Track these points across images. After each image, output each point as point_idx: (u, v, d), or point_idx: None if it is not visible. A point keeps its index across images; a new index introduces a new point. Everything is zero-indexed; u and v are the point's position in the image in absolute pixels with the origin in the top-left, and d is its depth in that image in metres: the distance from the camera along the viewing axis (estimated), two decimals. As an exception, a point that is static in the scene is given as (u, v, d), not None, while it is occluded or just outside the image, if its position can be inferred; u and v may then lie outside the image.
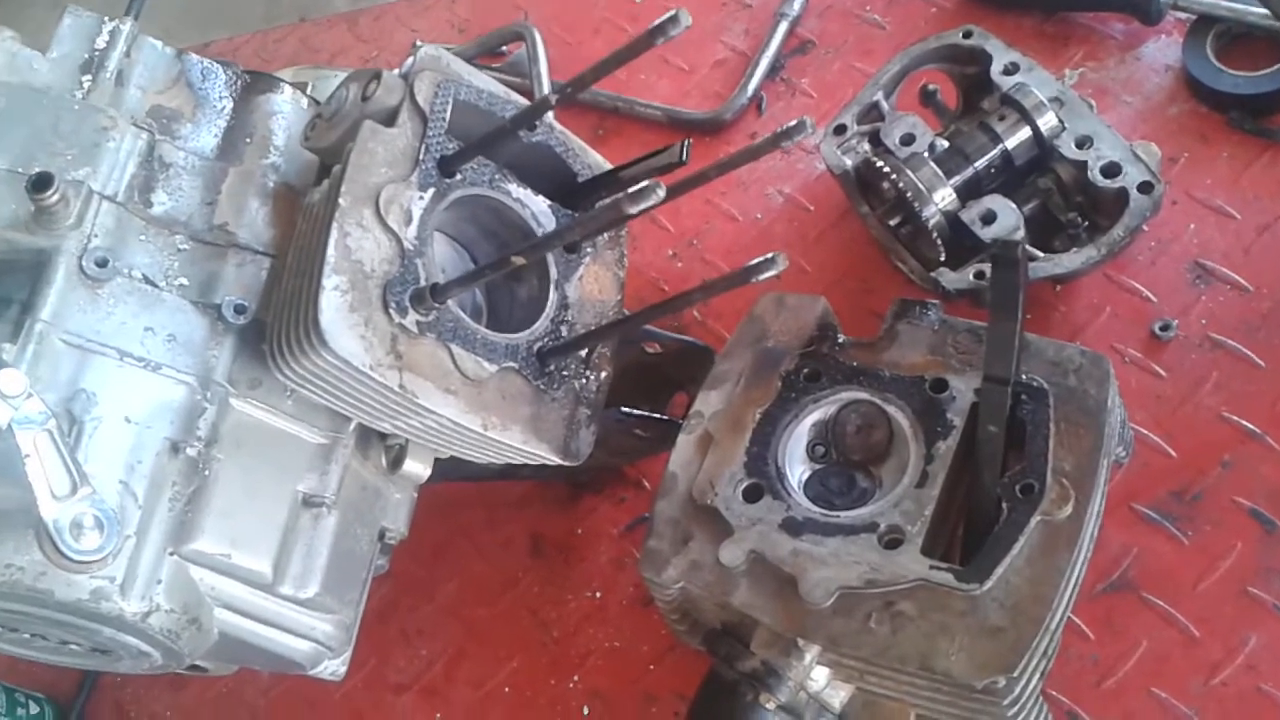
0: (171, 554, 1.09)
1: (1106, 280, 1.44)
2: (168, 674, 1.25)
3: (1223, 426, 1.33)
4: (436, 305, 1.11)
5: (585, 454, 1.20)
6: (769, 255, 0.98)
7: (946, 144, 1.43)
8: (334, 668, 1.26)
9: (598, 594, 1.47)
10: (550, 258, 1.24)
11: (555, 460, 1.18)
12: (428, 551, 1.54)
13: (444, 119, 1.17)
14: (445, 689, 1.46)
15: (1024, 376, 1.17)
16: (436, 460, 1.29)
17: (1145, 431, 1.34)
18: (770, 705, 1.14)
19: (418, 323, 1.10)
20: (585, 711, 1.39)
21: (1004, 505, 1.13)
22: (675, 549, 1.21)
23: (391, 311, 1.08)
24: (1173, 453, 1.33)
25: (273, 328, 1.13)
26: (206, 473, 1.12)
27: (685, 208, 1.68)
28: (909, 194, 1.38)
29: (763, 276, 0.99)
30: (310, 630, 1.19)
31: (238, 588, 1.13)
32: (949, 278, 1.37)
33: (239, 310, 1.16)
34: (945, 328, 1.25)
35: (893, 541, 1.14)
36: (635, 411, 1.37)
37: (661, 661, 1.39)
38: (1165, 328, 1.39)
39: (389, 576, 1.42)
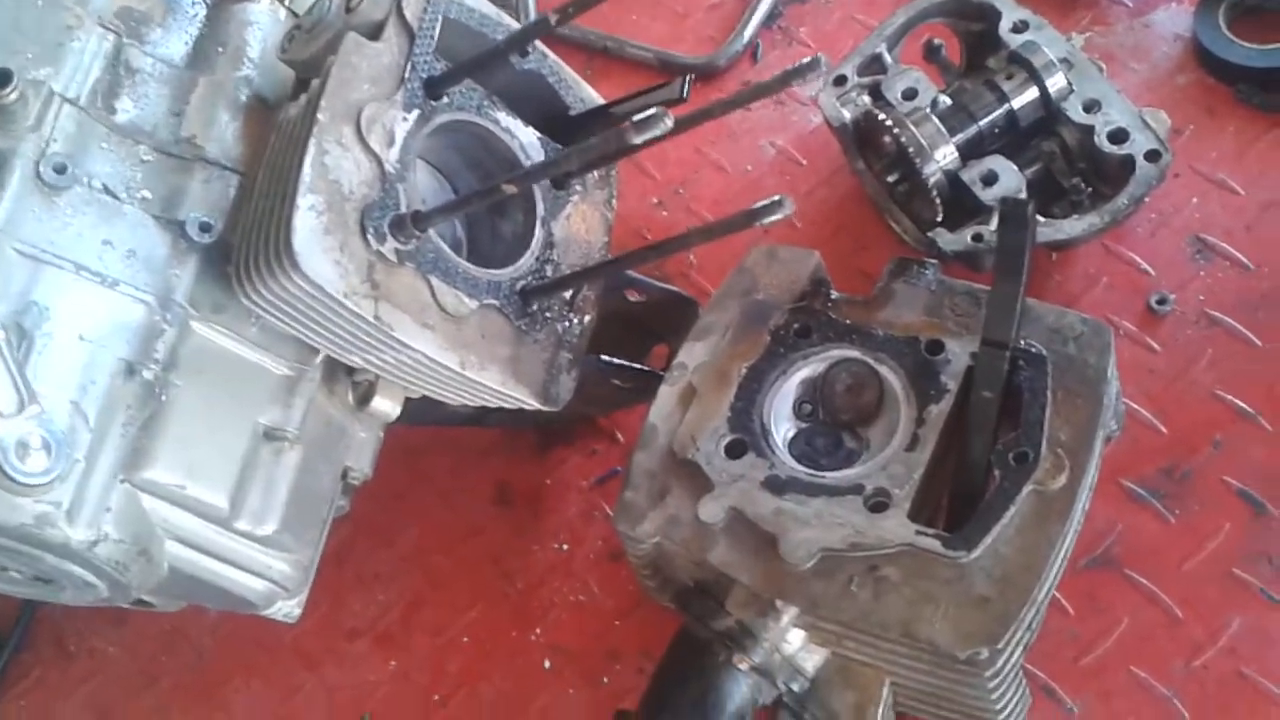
0: (123, 481, 1.03)
1: (1105, 250, 1.41)
2: (111, 607, 1.19)
3: (1215, 405, 1.30)
4: (417, 234, 1.05)
5: (565, 399, 1.15)
6: (775, 198, 0.93)
7: (950, 101, 1.38)
8: (288, 609, 1.21)
9: (564, 546, 1.42)
10: (538, 193, 1.18)
11: (533, 404, 1.13)
12: (389, 495, 1.48)
13: (432, 37, 1.10)
14: (402, 637, 1.41)
15: (1023, 342, 1.14)
16: (405, 401, 1.23)
17: (1137, 406, 1.30)
18: (743, 666, 1.10)
19: (397, 251, 1.04)
20: (546, 665, 1.35)
21: (996, 473, 1.10)
22: (652, 502, 1.17)
23: (369, 237, 1.02)
24: (1164, 429, 1.30)
25: (239, 249, 1.06)
26: (164, 398, 1.06)
27: (673, 155, 1.62)
28: (910, 149, 1.33)
29: (767, 220, 0.94)
30: (266, 569, 1.13)
31: (191, 520, 1.07)
32: (946, 239, 1.33)
33: (204, 228, 1.09)
34: (943, 289, 1.21)
35: (879, 505, 1.10)
36: (615, 360, 1.32)
37: (627, 618, 1.35)
38: (1162, 301, 1.36)
39: (348, 519, 1.36)
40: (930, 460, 1.11)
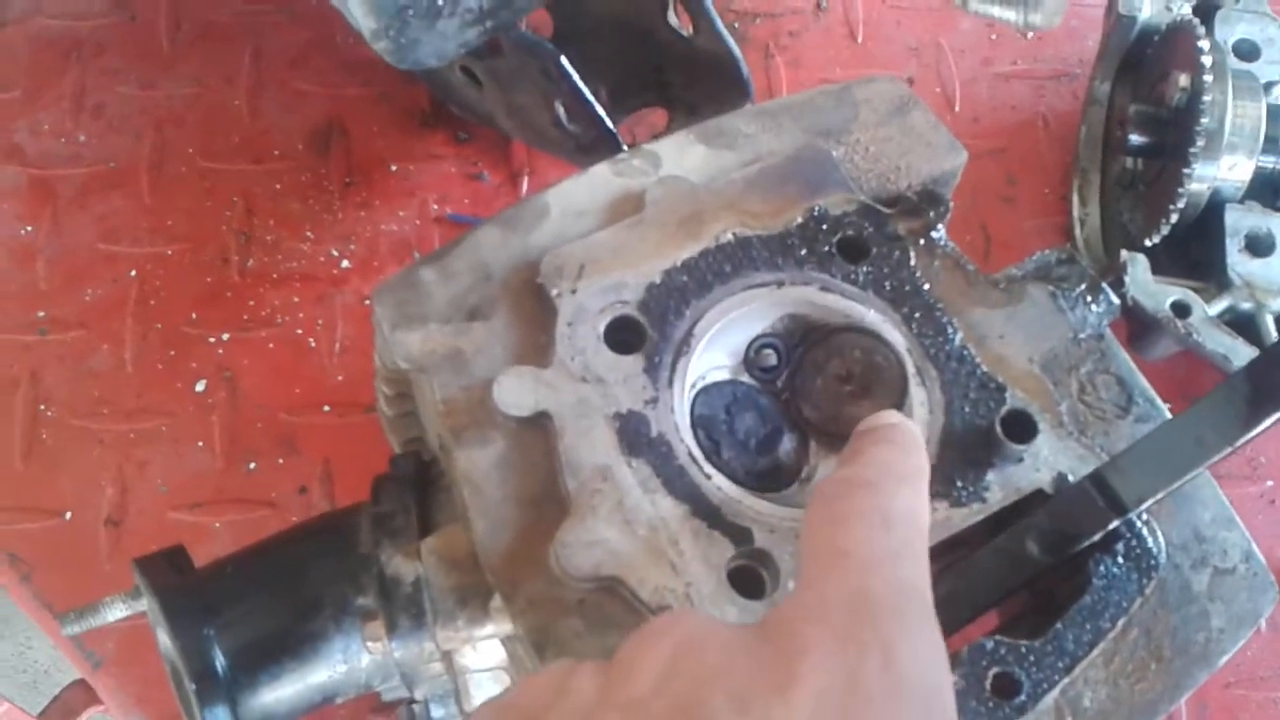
0: None
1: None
2: None
3: None
4: None
5: (424, 61, 0.62)
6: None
7: (1290, 102, 0.83)
8: None
9: (346, 258, 0.92)
10: None
11: (365, 33, 0.60)
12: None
13: None
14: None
15: (1145, 522, 0.62)
16: None
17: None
18: (375, 648, 0.62)
19: None
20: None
21: (962, 671, 0.60)
22: (449, 311, 0.66)
23: None
24: None
25: None
26: None
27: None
28: (1198, 121, 0.78)
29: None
30: None
31: None
32: (1142, 276, 0.79)
33: None
34: (1093, 346, 0.68)
35: (751, 581, 0.60)
36: (579, 81, 0.78)
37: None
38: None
39: None
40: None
